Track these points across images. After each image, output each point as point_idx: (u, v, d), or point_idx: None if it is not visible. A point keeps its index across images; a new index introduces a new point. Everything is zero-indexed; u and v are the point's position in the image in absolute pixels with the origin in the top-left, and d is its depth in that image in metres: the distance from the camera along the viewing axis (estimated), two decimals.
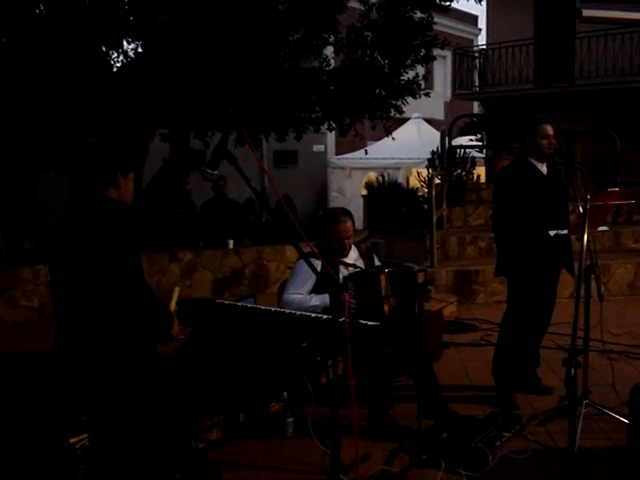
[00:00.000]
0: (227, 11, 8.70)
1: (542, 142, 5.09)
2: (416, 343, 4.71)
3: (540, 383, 5.55)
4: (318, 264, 4.66)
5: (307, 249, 4.79)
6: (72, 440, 3.45)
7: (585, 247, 3.93)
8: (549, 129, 5.10)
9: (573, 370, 2.99)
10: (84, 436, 3.43)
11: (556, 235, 4.83)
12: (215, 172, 2.68)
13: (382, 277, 4.64)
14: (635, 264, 9.26)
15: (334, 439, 2.90)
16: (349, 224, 4.90)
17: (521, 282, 5.20)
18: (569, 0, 15.86)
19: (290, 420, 4.65)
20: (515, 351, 5.31)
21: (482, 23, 27.95)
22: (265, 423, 4.80)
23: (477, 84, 20.00)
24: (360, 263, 4.97)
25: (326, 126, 11.36)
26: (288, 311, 4.46)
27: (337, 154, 23.57)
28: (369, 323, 4.06)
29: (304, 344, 4.11)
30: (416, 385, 4.72)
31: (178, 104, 8.97)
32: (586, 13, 8.77)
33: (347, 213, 5.01)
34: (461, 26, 30.32)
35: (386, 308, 4.62)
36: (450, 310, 8.00)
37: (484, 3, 18.97)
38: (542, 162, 5.20)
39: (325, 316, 4.25)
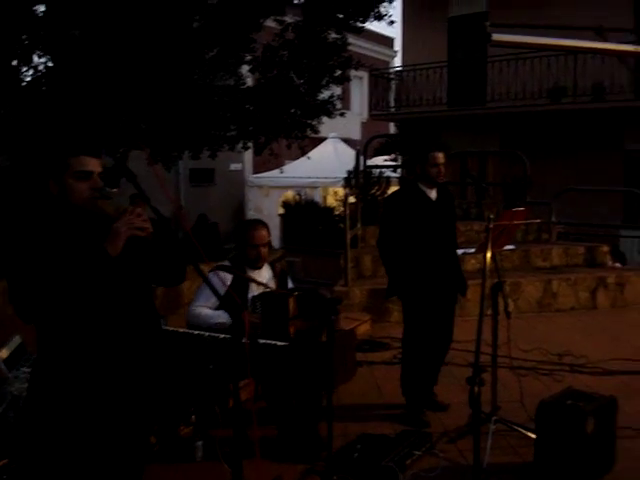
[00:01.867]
0: (141, 26, 8.59)
1: (432, 170, 5.18)
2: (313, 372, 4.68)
3: (436, 400, 5.59)
4: (229, 279, 4.63)
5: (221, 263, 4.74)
6: None
7: (489, 265, 3.99)
8: (439, 157, 5.17)
9: (477, 388, 3.02)
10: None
11: (464, 254, 4.92)
12: (114, 190, 2.61)
13: (290, 300, 4.61)
14: (543, 282, 9.50)
15: (236, 463, 2.84)
16: (264, 232, 4.92)
17: (411, 303, 5.30)
18: (480, 24, 16.28)
19: (199, 444, 4.56)
20: (418, 369, 5.36)
21: (398, 45, 28.50)
22: (175, 447, 4.68)
23: (393, 105, 20.29)
24: (272, 283, 4.93)
25: (241, 145, 11.32)
26: (197, 332, 4.38)
27: (255, 173, 23.51)
28: (278, 343, 4.02)
29: (211, 366, 4.04)
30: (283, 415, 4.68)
31: (89, 120, 8.78)
32: (496, 37, 9.00)
33: (262, 222, 5.07)
34: (377, 48, 30.79)
35: (292, 330, 4.59)
36: (364, 329, 8.03)
37: (399, 26, 19.39)
38: (431, 188, 5.29)
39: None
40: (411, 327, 5.34)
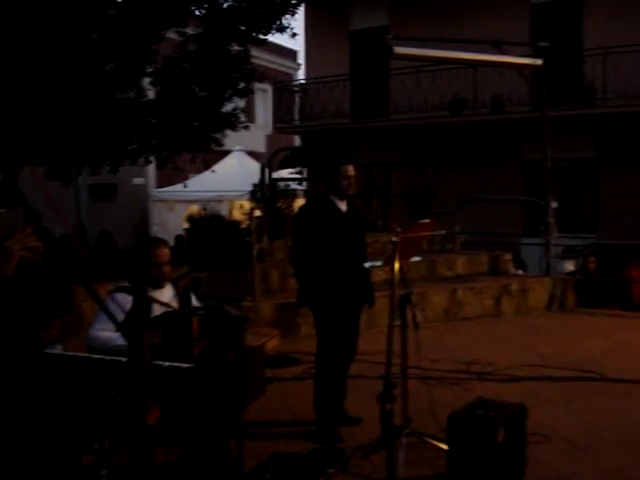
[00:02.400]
0: (35, 37, 8.27)
1: (342, 182, 5.25)
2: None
3: (347, 414, 5.54)
4: (129, 301, 4.44)
5: (121, 284, 4.54)
6: None
7: (397, 277, 3.96)
8: (350, 170, 5.24)
9: (388, 405, 2.96)
10: None
11: (371, 267, 4.90)
12: (2, 210, 2.44)
13: (194, 319, 4.47)
14: (449, 291, 9.62)
15: None
16: (166, 249, 4.78)
17: (322, 313, 5.30)
18: (382, 38, 16.51)
19: (104, 473, 4.33)
20: (331, 383, 5.31)
21: (302, 58, 28.63)
22: (77, 476, 4.45)
23: (297, 118, 20.32)
24: (174, 302, 4.77)
25: (143, 159, 11.05)
26: (97, 357, 4.17)
27: (158, 187, 23.09)
28: (183, 365, 3.87)
29: (113, 392, 3.85)
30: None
31: None
32: (398, 51, 9.11)
33: (163, 240, 4.94)
34: (281, 61, 30.85)
35: (196, 351, 4.45)
36: (273, 344, 7.93)
37: (302, 39, 19.46)
38: (342, 200, 5.36)
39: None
40: (324, 339, 5.31)
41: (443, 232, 6.29)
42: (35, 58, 8.29)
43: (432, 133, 17.60)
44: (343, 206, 5.35)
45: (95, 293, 2.55)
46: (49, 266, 2.60)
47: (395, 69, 17.01)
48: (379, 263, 4.93)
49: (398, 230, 4.09)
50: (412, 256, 4.89)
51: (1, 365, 2.50)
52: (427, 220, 5.00)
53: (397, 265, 3.87)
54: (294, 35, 11.14)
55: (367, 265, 4.94)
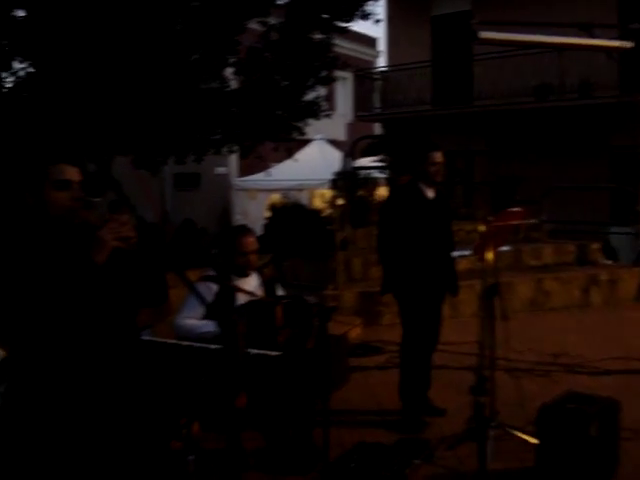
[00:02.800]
0: (123, 31, 8.45)
1: (431, 169, 5.19)
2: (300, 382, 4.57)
3: (433, 405, 5.50)
4: (215, 288, 4.49)
5: (207, 273, 4.59)
6: None
7: (489, 267, 3.88)
8: (438, 156, 5.20)
9: (481, 398, 2.90)
10: None
11: (460, 256, 4.84)
12: (98, 199, 2.48)
13: (278, 308, 4.49)
14: (535, 281, 9.43)
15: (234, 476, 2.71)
16: (252, 238, 4.80)
17: (407, 301, 5.27)
18: (466, 23, 16.23)
19: (191, 458, 4.41)
20: (416, 372, 5.29)
21: (382, 46, 28.42)
22: (165, 462, 4.54)
23: (378, 106, 20.20)
24: (259, 291, 4.80)
25: (227, 148, 11.18)
26: (186, 343, 4.24)
27: (240, 176, 23.34)
28: (270, 353, 3.89)
29: (203, 378, 3.90)
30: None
31: (71, 126, 8.63)
32: (483, 35, 8.91)
33: (249, 229, 4.95)
34: (361, 48, 30.69)
35: (280, 340, 4.47)
36: (356, 333, 7.92)
37: (384, 25, 19.32)
38: (429, 187, 5.29)
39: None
40: (408, 328, 5.29)
41: (533, 221, 6.14)
42: (124, 52, 8.46)
43: (516, 119, 17.20)
44: (431, 194, 5.30)
45: (188, 280, 2.57)
46: (143, 255, 2.62)
47: (478, 55, 16.69)
48: (468, 252, 4.87)
49: (490, 218, 3.99)
50: (501, 245, 4.79)
51: (101, 353, 2.54)
52: (518, 208, 4.90)
53: (490, 254, 3.78)
54: (378, 21, 11.06)
55: (456, 254, 4.86)
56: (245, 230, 4.87)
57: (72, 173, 2.54)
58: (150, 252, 2.63)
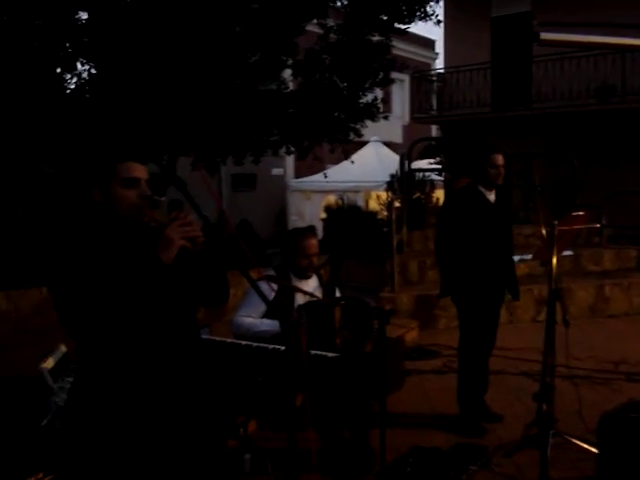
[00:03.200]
0: (184, 33, 8.56)
1: (491, 171, 5.12)
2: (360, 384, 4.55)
3: (489, 410, 5.44)
4: (274, 288, 4.50)
5: (267, 273, 4.60)
6: None
7: (553, 272, 3.81)
8: (499, 159, 5.12)
9: (545, 406, 2.86)
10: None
11: (520, 260, 4.77)
12: (162, 198, 2.50)
13: (337, 309, 4.48)
14: (595, 287, 9.25)
15: (292, 476, 2.71)
16: (315, 241, 4.81)
17: (466, 305, 5.22)
18: (526, 24, 16.03)
19: (247, 457, 4.44)
20: (474, 376, 5.24)
21: (439, 47, 28.23)
22: (222, 460, 4.58)
23: (435, 108, 20.07)
24: (318, 292, 4.80)
25: (284, 149, 11.24)
26: (244, 343, 4.27)
27: (296, 177, 23.46)
28: (329, 354, 3.90)
29: (261, 378, 3.92)
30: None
31: (132, 127, 8.77)
32: (544, 36, 8.79)
33: (312, 231, 4.95)
34: (419, 50, 30.57)
35: (338, 341, 4.46)
36: (411, 336, 7.88)
37: (442, 27, 19.19)
38: (490, 190, 5.23)
39: (283, 348, 4.08)
40: (467, 332, 5.25)
41: (597, 225, 6.02)
42: (185, 53, 8.57)
43: (577, 122, 16.90)
44: (492, 196, 5.23)
45: (251, 278, 2.57)
46: (209, 255, 2.63)
47: (538, 56, 16.47)
48: (529, 257, 4.80)
49: (554, 222, 3.92)
50: (564, 250, 4.71)
51: (165, 350, 2.56)
52: (581, 212, 4.81)
53: (555, 259, 3.72)
54: (439, 22, 10.98)
55: (516, 259, 4.79)
56: (308, 232, 4.88)
57: (140, 171, 2.56)
58: (215, 252, 2.63)
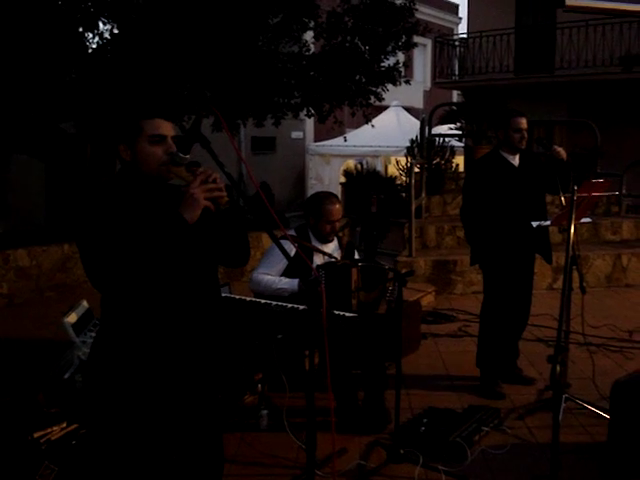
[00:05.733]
0: None
1: (514, 135, 5.07)
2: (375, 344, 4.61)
3: (521, 374, 5.52)
4: (293, 249, 4.56)
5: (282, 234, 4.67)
6: (37, 434, 3.31)
7: (573, 239, 3.83)
8: (523, 122, 5.07)
9: (558, 367, 2.90)
10: (49, 430, 3.30)
11: (539, 226, 4.77)
12: (187, 156, 2.52)
13: (354, 271, 4.54)
14: (613, 256, 9.23)
15: (310, 434, 2.78)
16: (339, 206, 4.84)
17: (495, 272, 5.21)
18: None
19: (264, 413, 4.54)
20: (496, 342, 5.28)
21: (463, 12, 27.87)
22: (239, 415, 4.68)
23: (457, 73, 19.91)
24: (337, 254, 4.86)
25: (305, 112, 11.23)
26: (263, 301, 4.34)
27: (315, 141, 23.41)
28: (347, 314, 3.96)
29: (279, 336, 4.00)
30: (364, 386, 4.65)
31: (154, 87, 8.79)
32: (570, 2, 8.72)
33: (336, 196, 4.98)
34: (441, 14, 30.22)
35: (354, 302, 4.52)
36: (428, 300, 7.93)
37: None
38: (514, 154, 5.18)
39: (302, 307, 4.14)
40: (492, 298, 5.27)
41: (616, 193, 6.00)
42: (208, 14, 8.54)
43: (600, 90, 16.72)
44: (515, 160, 5.18)
45: (274, 235, 2.60)
46: (231, 214, 2.65)
47: (562, 22, 16.26)
48: (547, 223, 4.79)
49: (575, 188, 3.92)
50: (582, 217, 4.70)
51: (187, 305, 2.61)
52: (601, 180, 4.79)
53: (573, 225, 3.73)
54: None
55: (534, 225, 4.79)
56: (332, 197, 4.90)
57: (166, 128, 2.58)
58: (237, 212, 2.66)
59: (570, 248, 3.86)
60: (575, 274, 4.55)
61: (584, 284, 4.52)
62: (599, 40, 16.15)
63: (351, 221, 10.93)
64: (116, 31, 9.65)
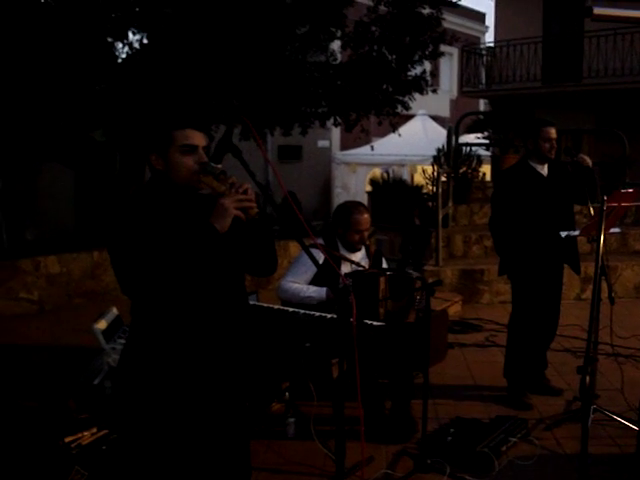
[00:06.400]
0: (233, 3, 8.61)
1: (544, 145, 5.06)
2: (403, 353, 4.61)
3: (549, 385, 5.49)
4: (321, 258, 4.58)
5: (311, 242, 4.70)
6: (68, 439, 3.35)
7: (602, 249, 3.81)
8: (552, 132, 5.07)
9: (588, 378, 2.89)
10: (80, 435, 3.34)
11: (567, 236, 4.76)
12: (219, 166, 2.56)
13: (381, 280, 4.54)
14: None
15: (339, 442, 2.79)
16: (367, 216, 4.85)
17: (524, 283, 5.20)
18: None
19: (291, 420, 4.56)
20: (524, 352, 5.27)
21: (489, 21, 27.84)
22: (266, 423, 4.70)
23: (484, 82, 19.86)
24: (365, 263, 4.87)
25: (332, 121, 11.27)
26: (292, 310, 4.37)
27: (342, 150, 23.46)
28: (375, 323, 3.97)
29: (307, 344, 4.02)
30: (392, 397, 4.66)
31: (182, 96, 8.88)
32: (597, 11, 8.61)
33: (364, 206, 5.00)
34: (469, 23, 30.18)
35: (381, 311, 4.53)
36: (455, 309, 7.91)
37: (491, 1, 18.93)
38: (542, 164, 5.18)
39: (329, 315, 4.16)
40: (520, 308, 5.26)
41: None
42: (236, 24, 8.62)
43: (628, 99, 16.59)
44: (544, 170, 5.17)
45: (303, 243, 2.62)
46: (260, 224, 2.68)
47: (590, 31, 16.17)
48: (576, 232, 4.77)
49: (605, 198, 3.90)
50: (611, 227, 4.68)
51: (216, 313, 2.63)
52: (630, 190, 4.76)
53: (603, 236, 3.72)
54: None
55: (562, 235, 4.78)
56: (361, 206, 4.91)
57: (198, 138, 2.60)
58: (266, 222, 2.69)
59: (599, 258, 3.84)
60: (604, 284, 4.54)
61: (613, 294, 4.51)
62: (627, 49, 16.05)
63: (377, 229, 10.91)
64: (145, 41, 9.76)
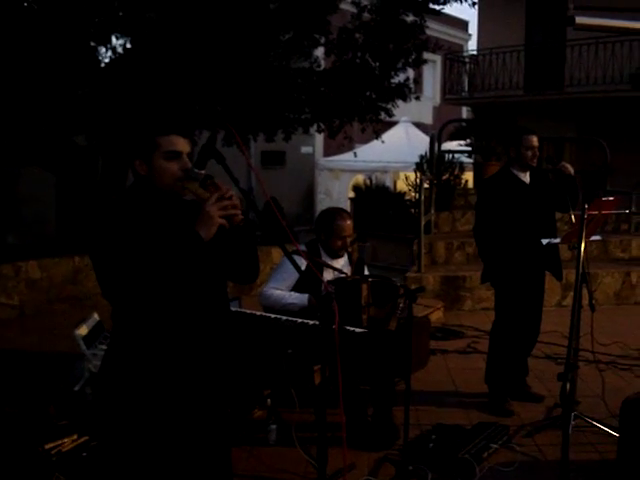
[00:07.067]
0: (217, 9, 8.61)
1: (526, 153, 5.10)
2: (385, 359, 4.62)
3: (530, 391, 5.51)
4: (303, 264, 4.58)
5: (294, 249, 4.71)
6: (48, 446, 3.32)
7: (583, 256, 3.84)
8: (534, 140, 5.10)
9: (568, 385, 2.91)
10: (60, 442, 3.32)
11: (548, 244, 4.79)
12: (202, 171, 2.55)
13: (364, 286, 4.55)
14: (622, 273, 9.22)
15: (321, 448, 2.79)
16: (350, 222, 4.88)
17: (506, 290, 5.23)
18: (561, 7, 15.83)
19: (273, 427, 4.54)
20: (506, 359, 5.29)
21: (472, 29, 28.00)
22: (247, 430, 4.68)
23: (467, 89, 19.96)
24: (347, 269, 4.88)
25: (315, 127, 11.29)
26: (274, 316, 4.36)
27: (325, 156, 23.49)
28: (357, 330, 3.97)
29: (290, 351, 4.01)
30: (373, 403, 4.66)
31: (165, 101, 8.86)
32: (579, 21, 8.68)
33: (347, 212, 5.02)
34: (452, 31, 30.34)
35: (364, 318, 4.53)
36: (437, 316, 7.90)
37: (476, 8, 19.01)
38: (524, 172, 5.22)
39: (312, 322, 4.16)
40: (502, 315, 5.29)
41: (626, 211, 6.01)
42: (219, 29, 8.62)
43: (610, 107, 16.71)
44: (526, 178, 5.20)
45: (286, 249, 2.62)
46: (244, 232, 2.67)
47: (572, 40, 16.28)
48: (557, 240, 4.81)
49: (586, 206, 3.93)
50: (592, 234, 4.72)
51: (197, 320, 2.62)
52: (611, 198, 4.80)
53: (584, 243, 3.75)
54: (474, 4, 10.90)
55: (544, 242, 4.82)
56: (344, 213, 4.93)
57: (182, 144, 2.60)
58: (249, 229, 2.68)
59: (580, 265, 3.86)
60: (584, 291, 4.57)
61: (593, 301, 4.54)
62: (609, 58, 16.17)
63: (359, 236, 10.93)
64: (129, 46, 9.73)
